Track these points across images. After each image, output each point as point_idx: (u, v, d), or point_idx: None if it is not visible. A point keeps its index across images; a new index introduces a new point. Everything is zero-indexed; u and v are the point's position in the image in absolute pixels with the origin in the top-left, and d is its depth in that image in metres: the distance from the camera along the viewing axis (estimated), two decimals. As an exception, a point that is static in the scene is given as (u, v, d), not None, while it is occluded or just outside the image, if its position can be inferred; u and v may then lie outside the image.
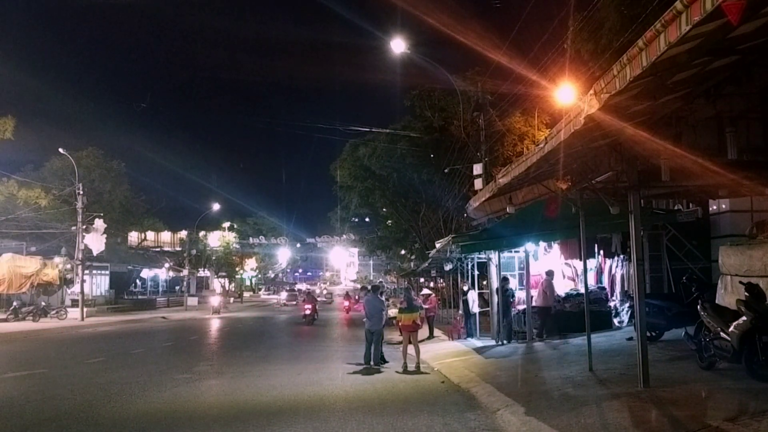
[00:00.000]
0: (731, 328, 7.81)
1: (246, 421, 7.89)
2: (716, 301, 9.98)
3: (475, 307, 18.19)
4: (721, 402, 6.84)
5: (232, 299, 59.47)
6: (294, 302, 56.81)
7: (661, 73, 4.68)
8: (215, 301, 40.53)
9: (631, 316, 13.94)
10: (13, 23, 79.59)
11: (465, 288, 19.14)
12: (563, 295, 16.03)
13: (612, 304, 15.55)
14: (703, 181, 8.37)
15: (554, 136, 6.20)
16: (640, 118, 6.76)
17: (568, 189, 10.24)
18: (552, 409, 7.32)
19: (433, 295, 23.14)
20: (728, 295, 9.99)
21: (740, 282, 8.52)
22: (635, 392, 7.50)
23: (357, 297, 42.01)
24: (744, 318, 7.66)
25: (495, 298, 16.58)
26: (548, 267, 15.82)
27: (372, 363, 13.01)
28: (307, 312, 28.07)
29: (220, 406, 9.05)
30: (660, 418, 6.52)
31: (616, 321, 15.17)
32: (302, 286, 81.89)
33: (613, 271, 16.03)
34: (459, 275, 21.58)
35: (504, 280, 15.71)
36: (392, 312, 19.04)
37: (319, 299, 42.08)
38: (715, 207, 14.25)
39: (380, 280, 63.69)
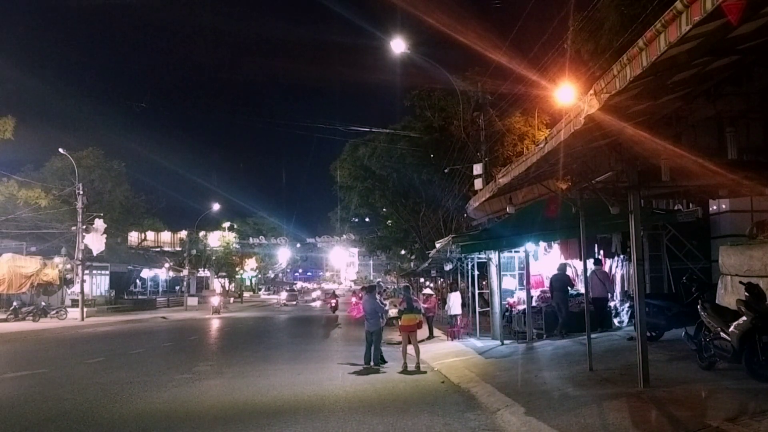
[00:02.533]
0: (731, 328, 7.80)
1: (246, 422, 7.90)
2: (716, 301, 9.97)
3: (454, 309, 18.39)
4: (721, 402, 6.84)
5: (232, 299, 59.42)
6: (294, 302, 56.77)
7: (661, 72, 4.67)
8: (215, 300, 40.56)
9: (631, 316, 13.92)
10: (13, 23, 79.59)
11: (465, 286, 19.21)
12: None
13: (612, 304, 15.53)
14: (703, 181, 8.37)
15: (554, 136, 6.19)
16: (640, 118, 6.76)
17: (568, 189, 10.24)
18: (552, 409, 7.32)
19: (434, 295, 23.15)
20: (728, 295, 9.98)
21: (740, 282, 8.51)
22: (635, 392, 7.50)
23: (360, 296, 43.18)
24: (744, 318, 7.65)
25: (496, 298, 16.58)
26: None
27: (372, 363, 13.01)
28: (333, 304, 38.93)
29: (219, 407, 9.04)
30: (660, 418, 6.52)
31: (616, 321, 15.15)
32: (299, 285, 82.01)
33: (613, 271, 16.02)
34: (459, 275, 21.59)
35: (563, 267, 15.20)
36: (393, 312, 19.05)
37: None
38: (715, 207, 14.23)
39: (379, 280, 63.61)
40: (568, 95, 15.84)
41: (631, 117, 6.54)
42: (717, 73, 5.94)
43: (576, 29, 12.77)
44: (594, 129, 6.20)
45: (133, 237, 57.23)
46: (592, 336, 13.72)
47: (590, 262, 14.83)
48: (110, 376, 12.12)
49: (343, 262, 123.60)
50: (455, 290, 20.28)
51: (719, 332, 8.17)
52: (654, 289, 14.34)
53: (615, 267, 15.91)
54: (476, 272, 18.07)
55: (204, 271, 65.01)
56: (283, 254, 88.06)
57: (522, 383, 9.50)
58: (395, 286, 55.14)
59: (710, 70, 5.46)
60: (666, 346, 10.96)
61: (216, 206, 59.26)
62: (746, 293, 7.80)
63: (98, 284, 44.87)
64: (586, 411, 6.99)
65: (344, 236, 75.75)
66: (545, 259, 17.80)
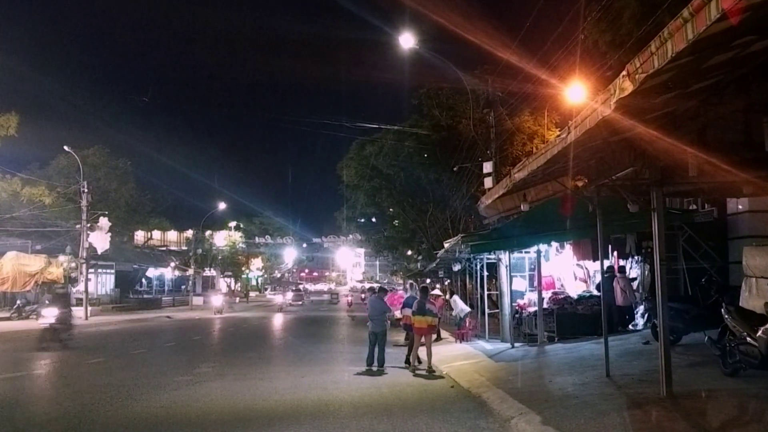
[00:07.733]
0: (759, 333, 7.38)
1: (246, 427, 7.57)
2: (740, 304, 9.52)
3: (458, 311, 18.13)
4: (750, 412, 6.44)
5: (237, 299, 59.12)
6: (300, 302, 56.35)
7: (699, 53, 4.26)
8: (217, 301, 40.08)
9: (647, 320, 13.50)
10: (18, 19, 79.79)
11: (471, 287, 18.83)
12: (575, 297, 15.62)
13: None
14: (730, 177, 7.93)
15: (578, 125, 5.78)
16: (666, 109, 6.36)
17: (584, 186, 9.83)
18: (569, 417, 6.90)
19: (442, 296, 22.73)
20: (753, 298, 9.54)
21: (768, 284, 8.08)
22: (657, 400, 7.09)
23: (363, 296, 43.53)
24: (773, 322, 7.24)
25: (506, 300, 16.17)
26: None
27: (376, 365, 12.67)
28: (363, 297, 41.66)
29: (219, 410, 8.67)
30: (686, 428, 6.09)
31: (629, 324, 14.73)
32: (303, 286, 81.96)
33: (627, 273, 15.58)
34: (468, 276, 21.20)
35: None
36: (397, 314, 18.67)
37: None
38: (732, 207, 13.79)
39: (387, 280, 63.28)
40: (579, 94, 15.43)
41: (655, 108, 6.14)
42: (750, 59, 5.52)
43: (594, 19, 12.31)
44: (618, 120, 5.79)
45: (139, 236, 57.09)
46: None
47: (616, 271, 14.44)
48: (108, 377, 11.77)
49: (349, 262, 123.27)
50: (455, 294, 19.99)
51: (745, 337, 7.74)
52: (670, 291, 13.86)
53: (629, 269, 15.48)
54: (485, 273, 17.67)
55: (210, 270, 64.78)
56: (289, 254, 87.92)
57: (536, 389, 9.07)
58: (403, 287, 54.72)
59: (747, 54, 5.04)
60: (685, 351, 10.52)
61: (222, 205, 59.07)
62: (775, 296, 7.38)
63: (103, 283, 44.71)
64: (607, 420, 6.58)
65: (350, 236, 75.35)
66: (557, 260, 17.39)
